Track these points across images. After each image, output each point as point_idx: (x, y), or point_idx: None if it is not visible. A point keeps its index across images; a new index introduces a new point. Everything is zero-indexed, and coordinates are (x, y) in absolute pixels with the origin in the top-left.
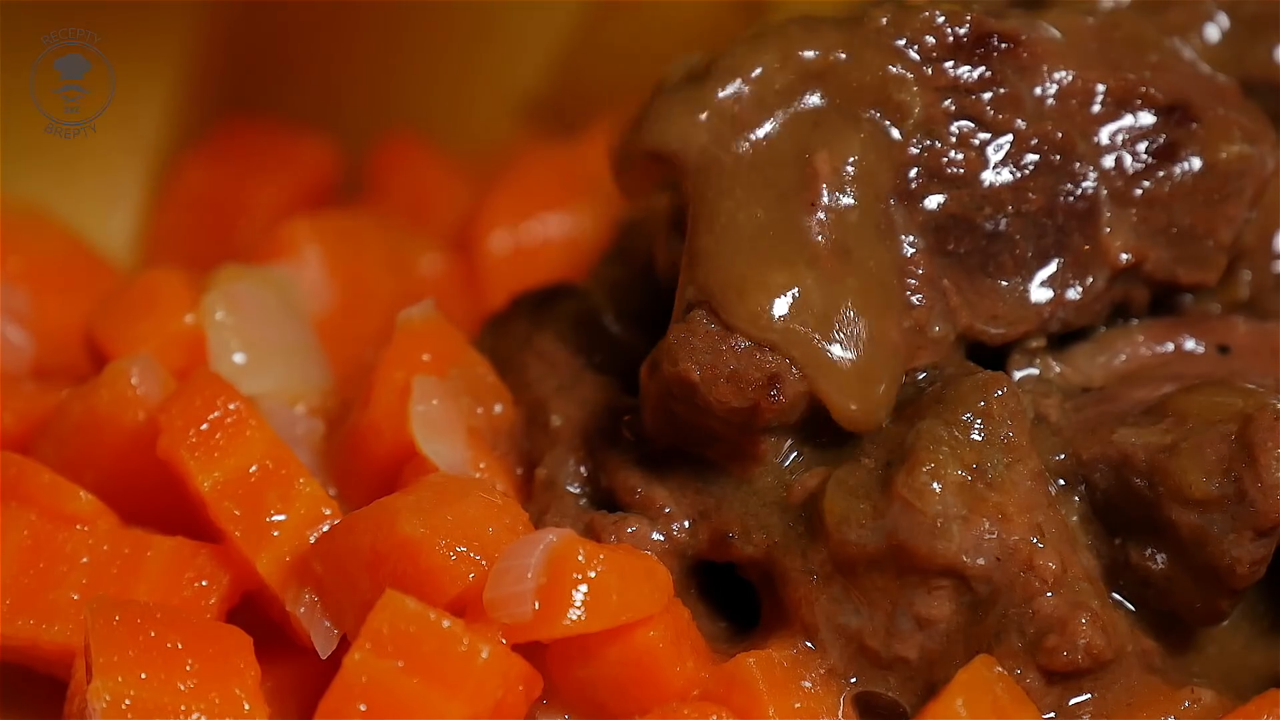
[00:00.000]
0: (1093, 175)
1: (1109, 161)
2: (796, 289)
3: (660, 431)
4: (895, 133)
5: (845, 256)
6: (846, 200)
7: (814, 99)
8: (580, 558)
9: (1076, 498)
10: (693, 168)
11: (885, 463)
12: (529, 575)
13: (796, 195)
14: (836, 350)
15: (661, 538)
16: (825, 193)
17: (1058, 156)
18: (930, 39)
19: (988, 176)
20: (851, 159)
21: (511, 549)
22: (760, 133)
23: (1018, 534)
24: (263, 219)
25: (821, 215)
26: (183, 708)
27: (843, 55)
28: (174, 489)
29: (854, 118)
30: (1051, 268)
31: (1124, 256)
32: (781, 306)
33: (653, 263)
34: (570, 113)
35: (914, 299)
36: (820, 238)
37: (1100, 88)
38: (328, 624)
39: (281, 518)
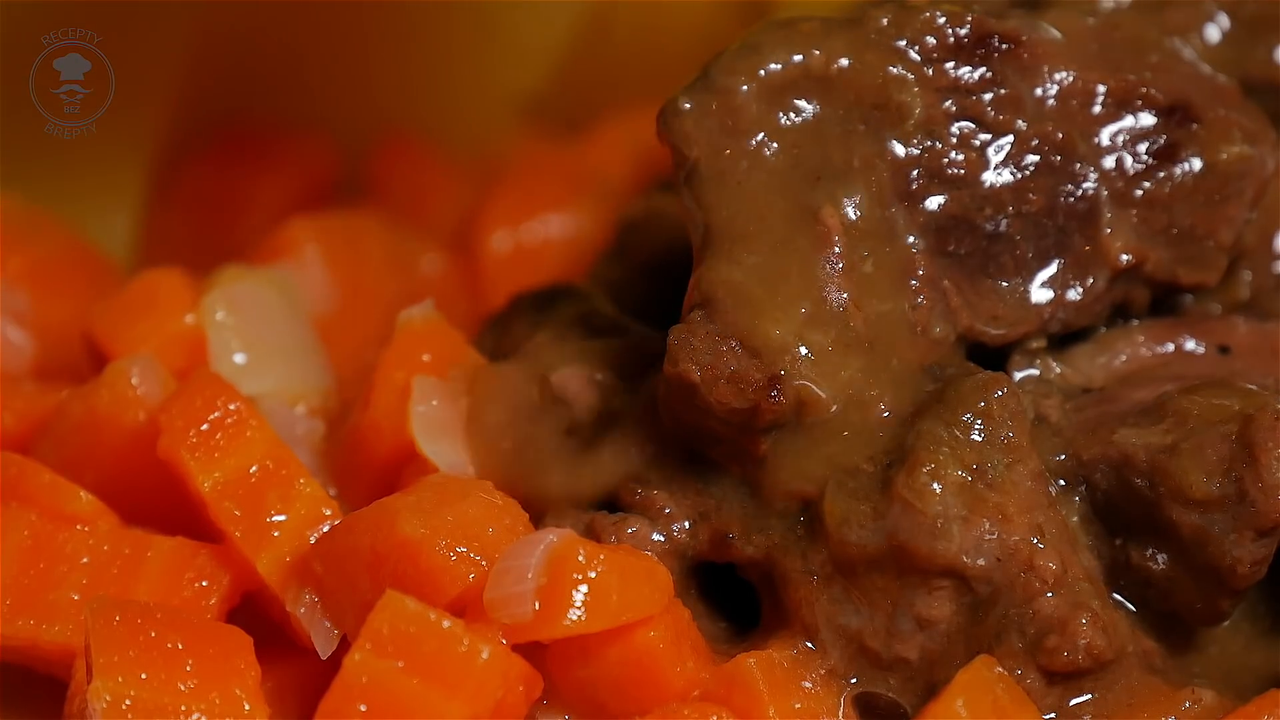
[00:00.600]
0: (1093, 176)
1: (1109, 162)
2: (806, 325)
3: (668, 431)
4: (898, 145)
5: (855, 298)
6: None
7: (814, 104)
8: (580, 558)
9: (1077, 498)
10: (694, 173)
11: (885, 464)
12: (529, 575)
13: (798, 218)
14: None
15: (662, 538)
16: (835, 240)
17: (1058, 157)
18: (931, 39)
19: (988, 177)
20: (856, 206)
21: (512, 549)
22: (762, 138)
23: (1018, 534)
24: (263, 219)
25: (834, 257)
26: (183, 708)
27: (843, 57)
28: (174, 489)
29: (854, 129)
30: (1052, 268)
31: (1124, 257)
32: (792, 339)
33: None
34: (571, 113)
35: (915, 299)
36: (828, 270)
37: (1101, 88)
38: (328, 624)
39: (282, 518)
